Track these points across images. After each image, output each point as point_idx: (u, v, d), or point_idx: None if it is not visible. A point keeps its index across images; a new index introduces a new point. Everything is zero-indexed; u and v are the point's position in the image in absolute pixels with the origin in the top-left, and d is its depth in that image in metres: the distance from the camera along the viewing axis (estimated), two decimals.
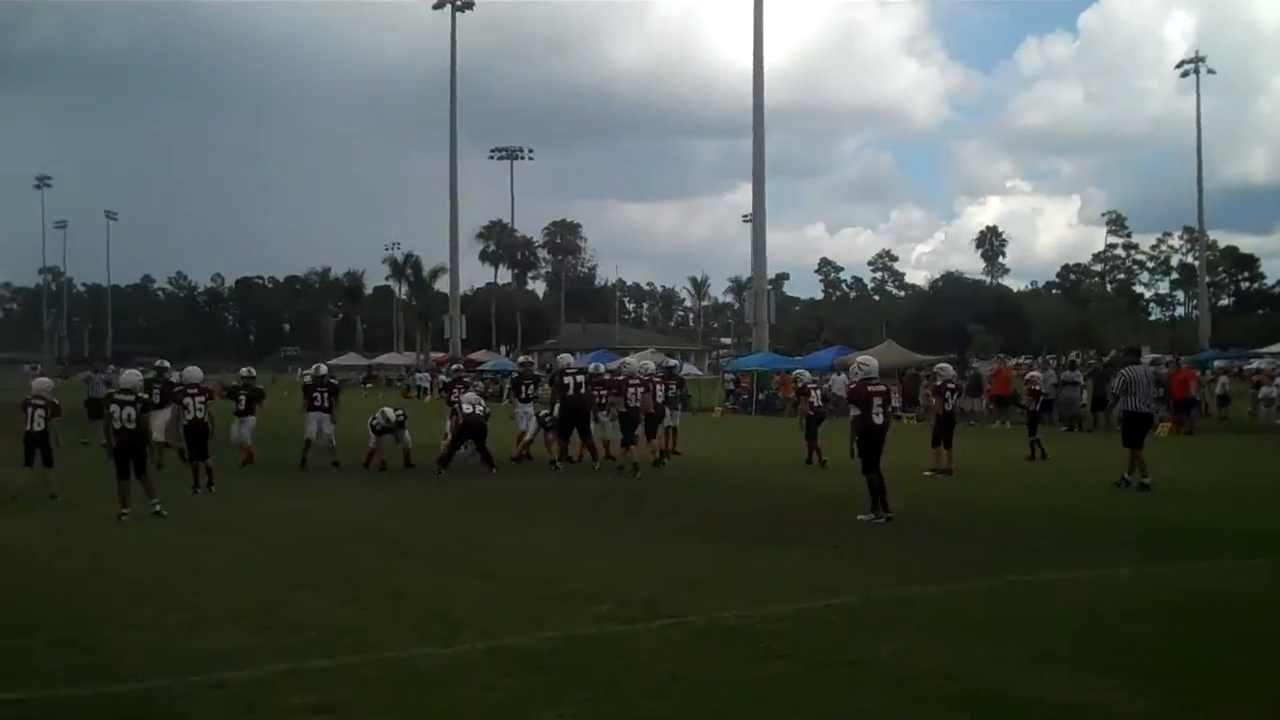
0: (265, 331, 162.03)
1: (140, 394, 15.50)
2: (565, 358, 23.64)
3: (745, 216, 67.07)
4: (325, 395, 21.87)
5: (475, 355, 79.72)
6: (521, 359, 29.51)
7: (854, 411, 14.65)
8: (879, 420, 14.36)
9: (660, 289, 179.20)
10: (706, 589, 10.22)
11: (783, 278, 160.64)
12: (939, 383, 21.11)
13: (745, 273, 65.66)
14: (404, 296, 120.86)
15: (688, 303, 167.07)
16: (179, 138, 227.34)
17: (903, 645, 8.09)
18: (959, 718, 6.60)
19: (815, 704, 6.84)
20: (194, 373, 19.03)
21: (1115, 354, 41.56)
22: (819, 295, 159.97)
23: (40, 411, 16.79)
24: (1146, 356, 36.71)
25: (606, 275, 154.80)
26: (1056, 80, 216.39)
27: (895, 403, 44.85)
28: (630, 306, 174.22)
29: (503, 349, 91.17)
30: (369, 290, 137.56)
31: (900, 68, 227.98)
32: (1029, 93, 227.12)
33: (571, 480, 19.51)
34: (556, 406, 21.62)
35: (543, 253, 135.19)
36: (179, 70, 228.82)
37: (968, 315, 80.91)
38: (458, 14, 77.77)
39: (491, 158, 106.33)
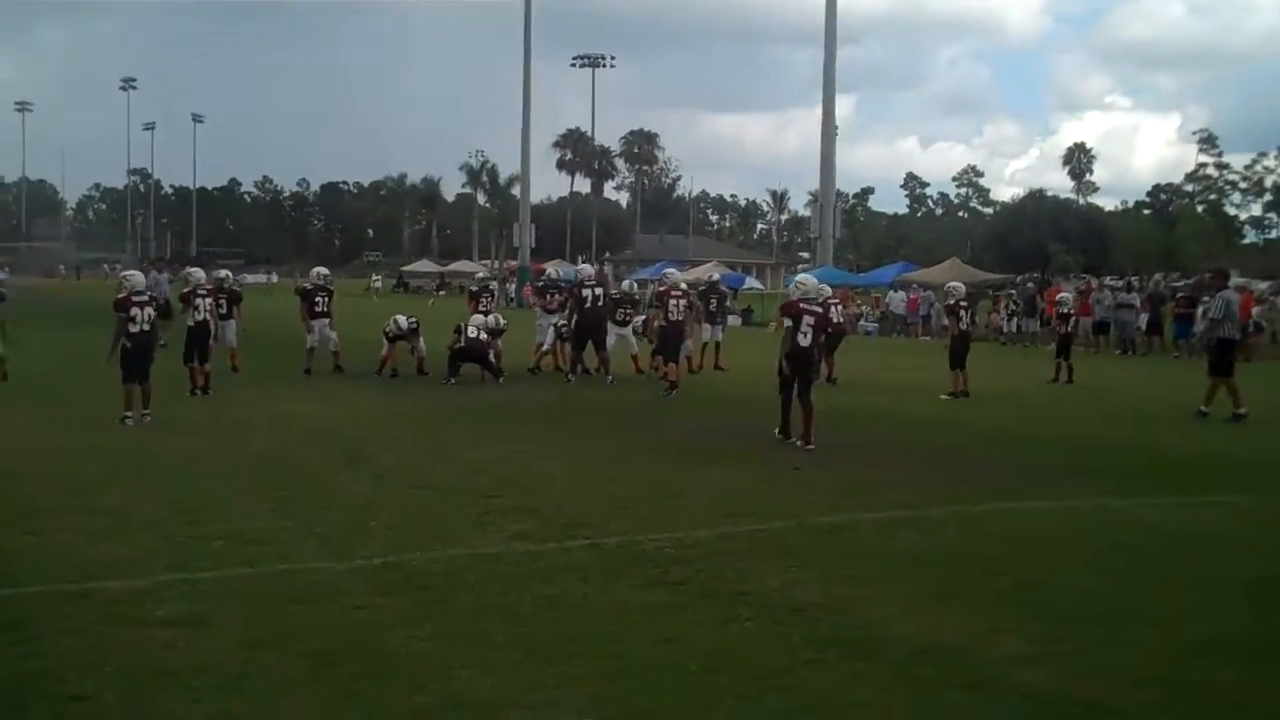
0: (350, 236, 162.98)
1: (154, 295, 15.31)
2: (586, 269, 23.36)
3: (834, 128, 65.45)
4: (326, 300, 21.66)
5: (546, 265, 79.54)
6: (548, 270, 29.03)
7: (786, 324, 14.03)
8: (804, 342, 13.63)
9: (745, 201, 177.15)
10: (639, 510, 9.91)
11: (868, 192, 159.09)
12: (951, 302, 20.13)
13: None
14: (485, 204, 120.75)
15: (771, 216, 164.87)
16: (264, 45, 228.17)
17: (800, 577, 7.74)
18: (814, 654, 6.23)
19: (674, 635, 6.52)
20: (198, 274, 18.63)
21: (1202, 277, 40.16)
22: (904, 210, 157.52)
23: None
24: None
25: (690, 187, 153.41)
26: None
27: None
28: (714, 219, 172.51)
29: (580, 259, 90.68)
30: (450, 198, 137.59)
31: None
32: (1131, 3, 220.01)
33: (578, 393, 19.24)
34: (572, 318, 21.22)
35: (620, 162, 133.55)
36: None
37: (1050, 234, 78.87)
38: None
39: (573, 65, 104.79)
